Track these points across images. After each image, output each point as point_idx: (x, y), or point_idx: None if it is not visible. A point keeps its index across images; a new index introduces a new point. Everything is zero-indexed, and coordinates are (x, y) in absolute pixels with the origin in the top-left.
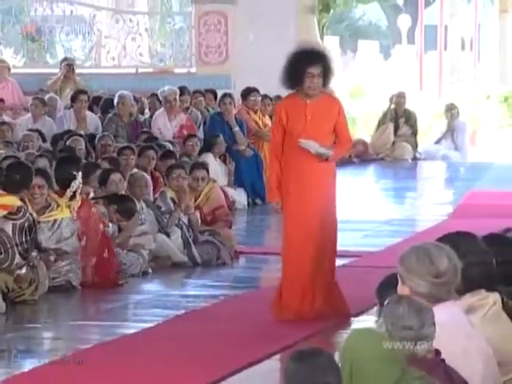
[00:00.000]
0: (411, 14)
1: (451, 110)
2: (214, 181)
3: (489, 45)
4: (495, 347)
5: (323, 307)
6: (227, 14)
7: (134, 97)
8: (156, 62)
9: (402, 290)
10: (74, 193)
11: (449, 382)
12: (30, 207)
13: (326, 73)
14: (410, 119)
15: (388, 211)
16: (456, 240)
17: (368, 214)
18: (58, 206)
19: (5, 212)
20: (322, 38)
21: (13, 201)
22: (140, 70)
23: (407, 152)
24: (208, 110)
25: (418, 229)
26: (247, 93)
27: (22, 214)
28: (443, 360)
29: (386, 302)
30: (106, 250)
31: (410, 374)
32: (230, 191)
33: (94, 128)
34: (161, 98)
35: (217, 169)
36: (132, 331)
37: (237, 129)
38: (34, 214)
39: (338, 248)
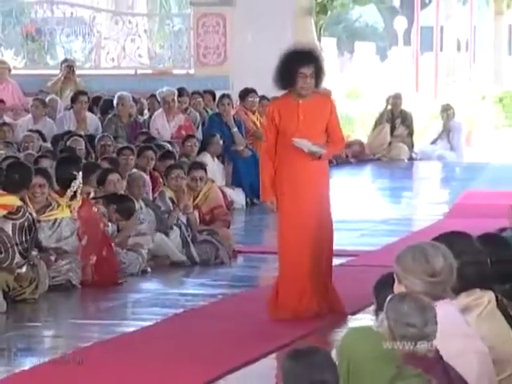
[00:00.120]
0: (407, 15)
1: (447, 111)
2: (213, 181)
3: (484, 46)
4: (490, 346)
5: (320, 307)
6: (225, 16)
7: (134, 98)
8: (155, 64)
9: (399, 288)
10: (75, 193)
11: (446, 379)
12: (30, 206)
13: (318, 73)
14: (406, 120)
15: (384, 211)
16: (451, 240)
17: (365, 213)
18: (59, 205)
19: (5, 212)
20: (319, 40)
21: (13, 200)
22: (139, 71)
23: (403, 152)
24: (206, 111)
25: (414, 228)
26: (245, 94)
27: (21, 213)
28: (441, 358)
29: (388, 299)
30: (106, 249)
31: (406, 372)
32: (229, 191)
33: (94, 129)
34: (159, 99)
35: (214, 169)
36: (131, 329)
37: (235, 129)
38: (34, 214)
39: (335, 247)
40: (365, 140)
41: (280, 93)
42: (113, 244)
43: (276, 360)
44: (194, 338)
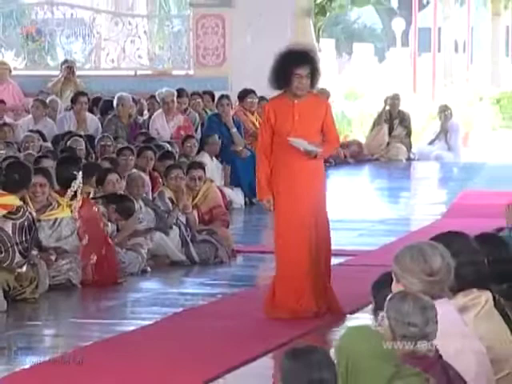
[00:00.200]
0: (405, 17)
1: (444, 112)
2: (211, 181)
3: (481, 47)
4: (488, 345)
5: (318, 307)
6: (224, 17)
7: (133, 98)
8: (154, 64)
9: (397, 287)
10: (75, 192)
11: (445, 378)
12: (30, 206)
13: (314, 74)
14: (404, 120)
15: (383, 211)
16: (449, 239)
17: (363, 213)
18: (59, 205)
19: (4, 211)
20: (317, 41)
21: (12, 200)
22: (139, 72)
23: (401, 153)
24: (206, 112)
25: (412, 228)
26: (244, 94)
27: (21, 213)
28: (440, 357)
29: (389, 298)
30: (105, 248)
31: (404, 371)
32: (228, 191)
33: (94, 129)
34: (159, 100)
35: (213, 168)
36: (131, 329)
37: (234, 130)
38: (34, 213)
39: (334, 247)
40: (363, 140)
41: (277, 93)
42: (112, 243)
43: (275, 359)
44: (194, 337)
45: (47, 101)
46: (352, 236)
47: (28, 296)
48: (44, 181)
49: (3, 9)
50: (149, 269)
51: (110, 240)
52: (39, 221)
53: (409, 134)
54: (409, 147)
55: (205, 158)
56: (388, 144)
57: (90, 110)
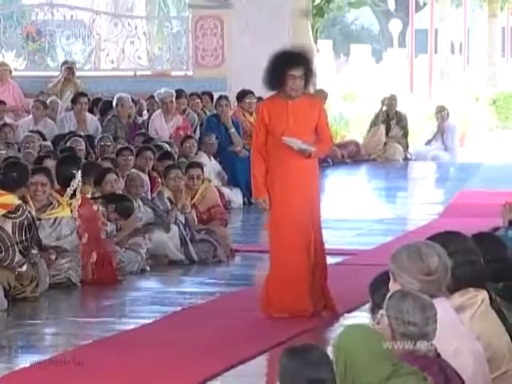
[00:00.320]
0: (402, 18)
1: (441, 112)
2: (209, 180)
3: (478, 48)
4: (485, 344)
5: (315, 306)
6: (223, 19)
7: (133, 99)
8: (154, 65)
9: (394, 287)
10: (74, 191)
11: (443, 377)
12: (31, 205)
13: (307, 75)
14: (401, 121)
15: (380, 210)
16: (445, 239)
17: (360, 213)
18: (59, 204)
19: (4, 211)
20: (315, 42)
21: (12, 199)
22: (138, 73)
23: (398, 153)
24: (205, 112)
25: (409, 227)
26: (243, 95)
27: (20, 212)
28: (438, 355)
29: (388, 296)
30: (103, 247)
31: (402, 369)
32: (226, 191)
33: (94, 129)
34: (158, 100)
35: (211, 168)
36: (130, 327)
37: (233, 130)
38: (33, 212)
39: (332, 246)
40: (360, 141)
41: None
42: (106, 244)
43: (273, 357)
44: (193, 335)
45: (48, 102)
46: (350, 235)
47: (28, 295)
48: (45, 180)
49: (4, 10)
50: (148, 268)
51: (103, 240)
52: (39, 220)
53: (406, 135)
54: (406, 147)
55: (203, 158)
56: (385, 144)
57: (90, 111)
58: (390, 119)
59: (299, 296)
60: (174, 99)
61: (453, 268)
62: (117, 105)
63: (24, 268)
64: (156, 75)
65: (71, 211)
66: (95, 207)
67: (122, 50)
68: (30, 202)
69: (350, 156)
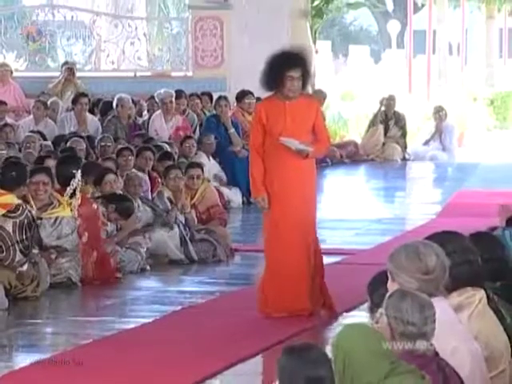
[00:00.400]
0: (400, 19)
1: (439, 112)
2: (209, 180)
3: (475, 49)
4: (483, 344)
5: (312, 305)
6: (222, 19)
7: (133, 99)
8: (154, 66)
9: (392, 286)
10: (74, 191)
11: (441, 376)
12: (32, 204)
13: (305, 76)
14: (399, 121)
15: (378, 210)
16: (443, 239)
17: (359, 213)
18: (60, 204)
19: (4, 211)
20: (314, 43)
21: (11, 199)
22: (138, 74)
23: (397, 153)
24: (204, 113)
25: (407, 227)
26: (242, 95)
27: (20, 211)
28: (437, 354)
29: (388, 295)
30: (104, 246)
31: (401, 368)
32: (226, 191)
33: (94, 130)
34: (158, 101)
35: (210, 168)
36: (130, 326)
37: (232, 130)
38: (34, 211)
39: (330, 246)
40: (359, 141)
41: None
42: (107, 244)
43: (272, 356)
44: (192, 334)
45: (48, 102)
46: (348, 235)
47: (29, 294)
48: (47, 179)
49: (5, 11)
50: (148, 267)
51: (104, 239)
52: (40, 219)
53: (404, 135)
54: (404, 147)
55: (202, 158)
56: (383, 144)
57: (91, 112)
58: (389, 119)
59: (298, 295)
60: (173, 99)
61: (451, 267)
62: (117, 105)
63: (25, 267)
64: (156, 76)
65: (71, 210)
66: (95, 206)
67: (122, 51)
68: (32, 202)
69: (349, 156)
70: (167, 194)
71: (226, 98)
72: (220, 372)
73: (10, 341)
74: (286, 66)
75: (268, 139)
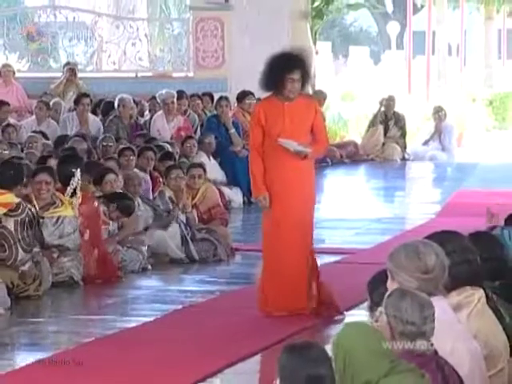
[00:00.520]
0: (400, 20)
1: (439, 113)
2: (210, 180)
3: (474, 50)
4: (482, 343)
5: (310, 304)
6: (223, 20)
7: (134, 100)
8: (155, 67)
9: (392, 285)
10: (75, 190)
11: (441, 375)
12: (35, 203)
13: (305, 77)
14: (399, 121)
15: (378, 210)
16: (443, 238)
17: (359, 212)
18: (63, 203)
19: (5, 210)
20: (314, 44)
21: (11, 198)
22: (139, 74)
23: (396, 153)
24: (205, 113)
25: (407, 227)
26: (243, 96)
27: (21, 210)
28: (436, 353)
29: (387, 294)
30: (104, 244)
31: (400, 367)
32: (227, 190)
33: (96, 130)
34: (159, 101)
35: (211, 168)
36: (132, 325)
37: (233, 131)
38: (33, 209)
39: (331, 245)
40: (359, 141)
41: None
42: (108, 243)
43: (272, 355)
44: (193, 333)
45: (51, 103)
46: (348, 234)
47: (31, 293)
48: (49, 179)
49: (7, 12)
50: (149, 266)
51: (105, 238)
52: (43, 218)
53: (404, 135)
54: (404, 148)
55: (203, 157)
56: (383, 144)
57: (94, 112)
58: (388, 120)
59: (298, 294)
60: (175, 100)
61: (450, 267)
62: (118, 105)
63: (27, 266)
64: (157, 76)
65: (73, 209)
66: (96, 204)
67: (123, 52)
68: (34, 201)
69: (349, 156)
70: (168, 193)
71: (226, 98)
72: (221, 371)
73: (12, 339)
74: (287, 68)
75: (267, 140)
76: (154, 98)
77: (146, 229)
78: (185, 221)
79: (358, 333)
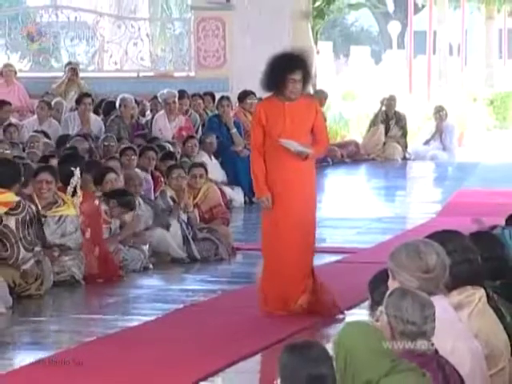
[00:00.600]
0: (401, 20)
1: (439, 112)
2: (211, 180)
3: (475, 50)
4: (483, 342)
5: (310, 303)
6: (225, 20)
7: (136, 99)
8: (157, 66)
9: (393, 284)
10: (75, 189)
11: (441, 374)
12: (37, 202)
13: (306, 77)
14: (400, 121)
15: (379, 209)
16: (444, 238)
17: (360, 211)
18: (65, 203)
19: (6, 209)
20: (315, 43)
21: (11, 197)
22: (141, 74)
23: (397, 152)
24: (206, 113)
25: (407, 226)
26: (244, 96)
27: (21, 208)
28: (437, 352)
29: (388, 294)
30: (106, 242)
31: (401, 366)
32: (228, 190)
33: (98, 130)
34: (161, 101)
35: (212, 167)
36: (133, 324)
37: (234, 130)
38: (34, 207)
39: (332, 244)
40: (360, 140)
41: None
42: (110, 242)
43: (273, 354)
44: (194, 332)
45: (53, 103)
46: (349, 234)
47: (33, 292)
48: (50, 178)
49: (9, 12)
50: (151, 266)
51: (107, 238)
52: (45, 217)
53: (405, 134)
54: (405, 147)
55: (204, 157)
56: (384, 144)
57: (95, 112)
58: (389, 119)
59: (298, 294)
60: (176, 100)
61: (451, 266)
62: (120, 105)
63: (29, 265)
64: (159, 76)
65: (74, 208)
66: (97, 202)
67: (125, 52)
68: (36, 200)
69: (350, 155)
70: (170, 193)
71: (228, 98)
72: (222, 370)
73: (14, 338)
74: (288, 69)
75: (268, 140)
76: (155, 97)
77: (146, 229)
78: (186, 220)
79: (358, 332)
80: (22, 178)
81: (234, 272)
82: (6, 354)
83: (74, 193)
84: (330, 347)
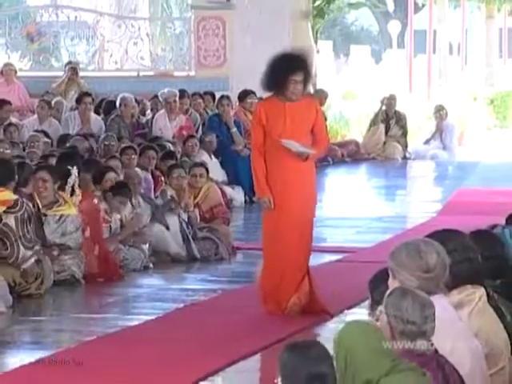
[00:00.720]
0: (401, 19)
1: (440, 111)
2: (211, 179)
3: (475, 49)
4: (483, 341)
5: (309, 303)
6: (225, 19)
7: (136, 99)
8: (157, 66)
9: (393, 284)
10: (73, 187)
11: (441, 374)
12: (38, 201)
13: (306, 77)
14: (400, 120)
15: (379, 208)
16: (444, 237)
17: (360, 211)
18: (65, 202)
19: (4, 207)
20: (315, 43)
21: (9, 195)
22: (141, 73)
23: (398, 152)
24: (207, 112)
25: (407, 225)
26: (244, 95)
27: (19, 206)
28: (436, 351)
29: (388, 293)
30: (105, 240)
31: (401, 365)
32: (228, 190)
33: (98, 129)
34: (161, 100)
35: (212, 166)
36: (133, 324)
37: (234, 130)
38: (31, 205)
39: (332, 244)
40: (360, 140)
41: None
42: (110, 242)
43: (273, 353)
44: (195, 332)
45: (53, 102)
46: (349, 233)
47: (33, 292)
48: (47, 176)
49: (9, 11)
50: (151, 265)
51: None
52: (45, 216)
53: (405, 134)
54: (405, 146)
55: (204, 156)
56: (384, 143)
57: (96, 111)
58: (390, 118)
59: (291, 294)
60: (177, 99)
61: (451, 265)
62: (120, 105)
63: (29, 264)
64: (159, 75)
65: (75, 207)
66: (96, 201)
67: (125, 51)
68: (37, 199)
69: (350, 155)
70: (170, 192)
71: (228, 97)
72: (222, 369)
73: (14, 338)
74: (289, 70)
75: (268, 140)
76: (155, 96)
77: (144, 227)
78: (187, 220)
79: (359, 331)
80: (16, 177)
81: (235, 271)
82: (6, 354)
83: (73, 192)
84: (330, 346)
